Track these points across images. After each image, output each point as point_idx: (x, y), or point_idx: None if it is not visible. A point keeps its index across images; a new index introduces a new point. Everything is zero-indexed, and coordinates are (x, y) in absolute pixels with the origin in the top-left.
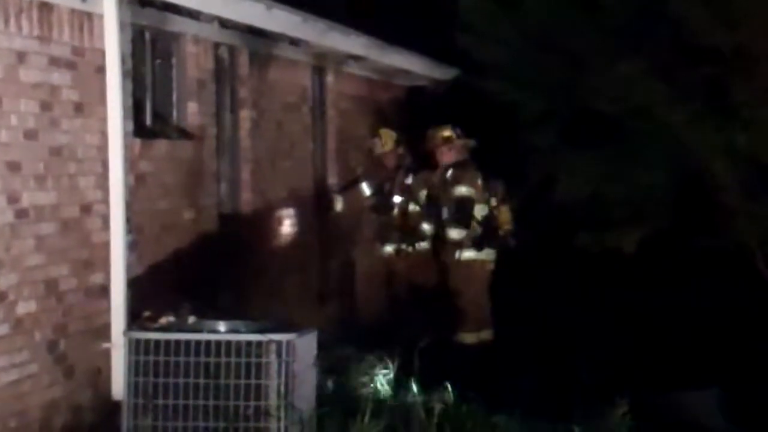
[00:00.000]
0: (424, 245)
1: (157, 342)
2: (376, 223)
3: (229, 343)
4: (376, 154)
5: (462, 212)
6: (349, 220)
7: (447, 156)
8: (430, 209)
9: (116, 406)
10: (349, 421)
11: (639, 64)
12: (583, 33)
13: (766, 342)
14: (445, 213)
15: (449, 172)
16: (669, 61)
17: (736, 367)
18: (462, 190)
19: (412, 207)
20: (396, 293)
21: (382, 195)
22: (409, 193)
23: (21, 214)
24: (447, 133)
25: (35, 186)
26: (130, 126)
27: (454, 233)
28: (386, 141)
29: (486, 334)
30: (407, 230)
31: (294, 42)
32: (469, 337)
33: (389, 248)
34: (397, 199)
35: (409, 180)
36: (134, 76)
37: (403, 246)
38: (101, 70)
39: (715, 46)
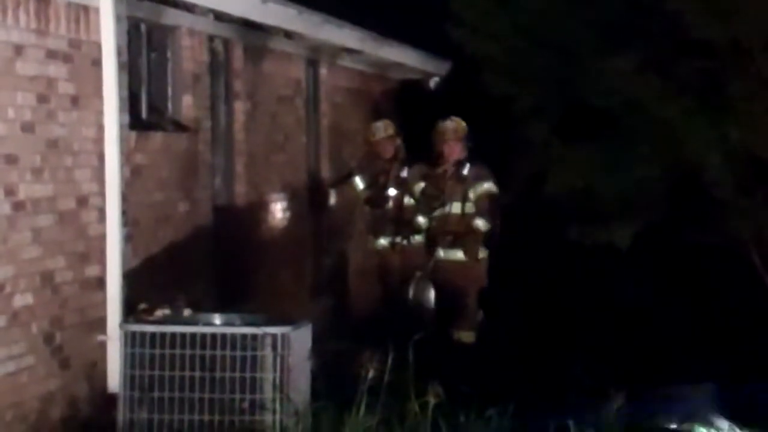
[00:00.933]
0: (418, 239)
1: (153, 335)
2: (369, 216)
3: (224, 335)
4: (374, 140)
5: (494, 209)
6: (342, 213)
7: (457, 151)
8: (431, 203)
9: (112, 398)
10: (343, 414)
11: (632, 58)
12: (576, 27)
13: (761, 336)
14: (455, 208)
15: (466, 168)
16: (662, 55)
17: (731, 362)
18: (492, 186)
19: (407, 200)
20: (390, 286)
21: (376, 187)
22: (404, 186)
23: (18, 206)
24: (464, 125)
25: (32, 178)
26: (126, 119)
27: (483, 225)
28: (386, 128)
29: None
30: (402, 223)
31: (288, 35)
32: (467, 336)
33: (383, 241)
34: (392, 191)
35: (405, 173)
36: (130, 68)
37: (398, 239)
38: (97, 62)
39: (710, 40)
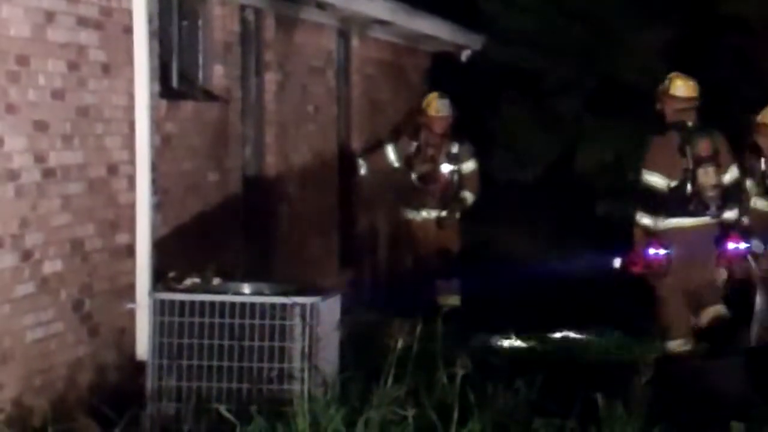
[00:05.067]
0: (458, 214)
1: (182, 303)
2: (409, 187)
3: (253, 305)
4: (437, 115)
5: None
6: (373, 183)
7: None
8: None
9: (140, 366)
10: (371, 384)
11: (665, 34)
12: (608, 1)
13: None
14: None
15: None
16: (695, 30)
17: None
18: None
19: (455, 176)
20: (422, 258)
21: (430, 163)
22: (456, 162)
23: (48, 173)
24: None
25: (62, 146)
26: (157, 87)
27: None
28: (450, 106)
29: None
30: (449, 198)
31: (320, 5)
32: None
33: (425, 214)
34: (445, 167)
35: (455, 149)
36: (161, 37)
37: (443, 213)
38: (128, 30)
39: (743, 16)
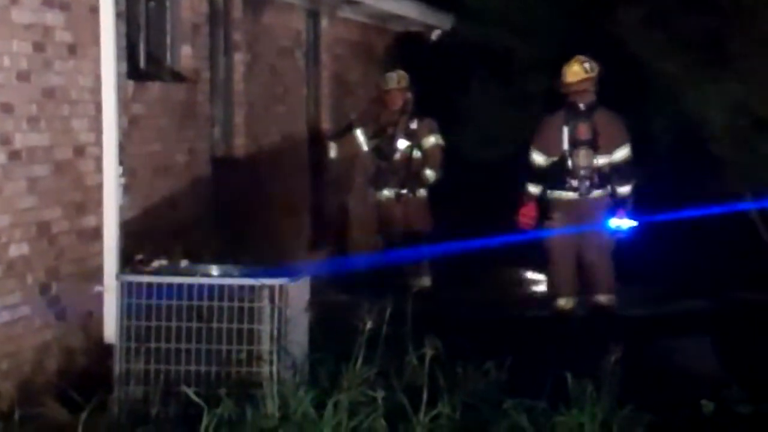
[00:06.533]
0: (422, 192)
1: (150, 285)
2: (373, 167)
3: (221, 287)
4: (385, 89)
5: None
6: (342, 166)
7: None
8: None
9: (108, 349)
10: (341, 366)
11: (636, 13)
12: None
13: (761, 289)
14: None
15: None
16: (665, 10)
17: (730, 315)
18: None
19: (416, 153)
20: (390, 238)
21: (385, 138)
22: (413, 139)
23: (13, 155)
24: None
25: (28, 127)
26: (124, 68)
27: None
28: (399, 79)
29: None
30: (409, 176)
31: None
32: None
33: (387, 192)
34: (401, 143)
35: (414, 125)
36: (128, 17)
37: (403, 191)
38: (95, 10)
39: None
